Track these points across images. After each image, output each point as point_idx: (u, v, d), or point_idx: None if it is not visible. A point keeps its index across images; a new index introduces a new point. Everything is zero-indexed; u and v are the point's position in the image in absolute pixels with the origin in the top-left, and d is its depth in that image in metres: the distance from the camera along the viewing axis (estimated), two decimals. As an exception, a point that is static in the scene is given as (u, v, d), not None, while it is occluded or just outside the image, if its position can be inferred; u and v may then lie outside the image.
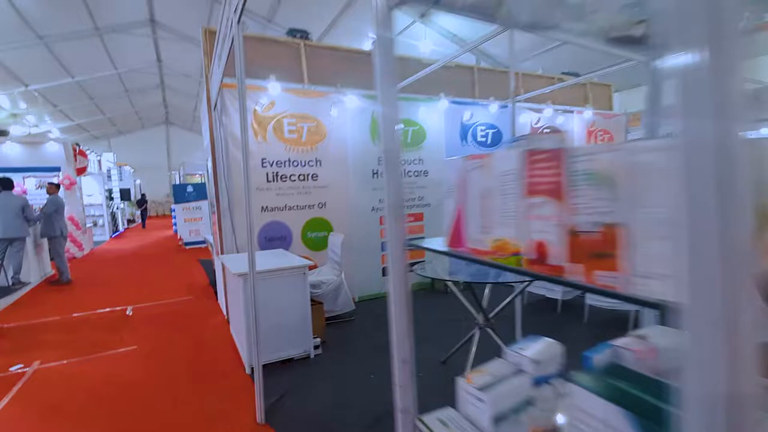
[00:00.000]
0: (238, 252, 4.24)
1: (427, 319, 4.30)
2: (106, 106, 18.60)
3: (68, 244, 10.03)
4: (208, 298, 5.56)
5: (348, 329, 4.08)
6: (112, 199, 14.99)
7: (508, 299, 3.16)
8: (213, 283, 6.14)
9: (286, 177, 4.48)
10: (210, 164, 4.55)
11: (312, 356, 3.34)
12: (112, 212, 13.90)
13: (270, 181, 4.39)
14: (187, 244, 10.61)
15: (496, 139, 6.04)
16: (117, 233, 14.31)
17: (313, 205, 4.67)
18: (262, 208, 4.38)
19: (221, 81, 3.67)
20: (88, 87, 15.66)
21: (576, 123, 6.95)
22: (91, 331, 4.43)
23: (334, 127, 4.74)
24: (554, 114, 6.58)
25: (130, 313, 5.04)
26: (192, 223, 10.61)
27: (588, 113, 6.90)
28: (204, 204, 10.51)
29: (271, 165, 4.39)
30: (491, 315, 3.12)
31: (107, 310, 5.23)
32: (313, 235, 4.70)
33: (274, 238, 4.45)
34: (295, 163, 4.54)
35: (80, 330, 4.48)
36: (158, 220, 20.66)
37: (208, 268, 7.43)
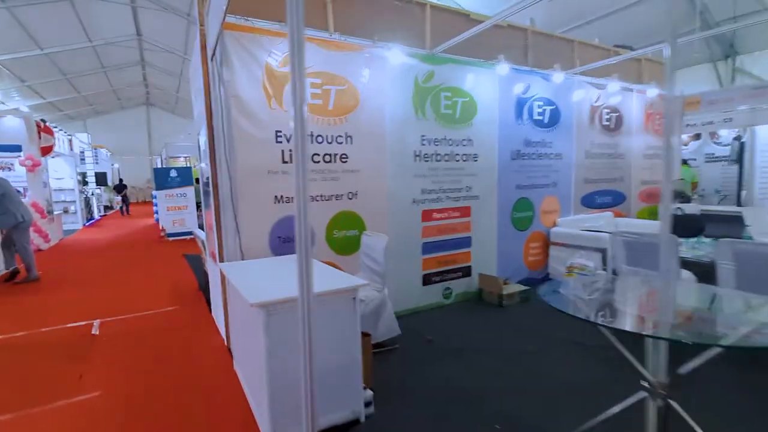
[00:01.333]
0: (243, 257, 3.12)
1: (506, 352, 3.26)
2: (81, 84, 16.92)
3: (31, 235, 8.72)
4: (198, 309, 4.41)
5: (396, 363, 3.01)
6: (86, 183, 13.54)
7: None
8: (203, 287, 5.00)
9: (308, 156, 3.35)
10: (204, 139, 3.39)
11: (363, 419, 2.26)
12: (85, 198, 12.47)
13: (287, 162, 3.26)
14: (170, 235, 9.39)
15: (554, 118, 4.99)
16: (91, 221, 12.91)
17: (342, 195, 3.56)
18: (276, 198, 3.25)
19: (223, 19, 2.51)
20: (60, 61, 14.06)
21: (634, 103, 5.94)
22: (37, 362, 3.26)
23: (369, 92, 3.61)
24: (610, 92, 5.56)
25: (97, 332, 3.87)
26: (176, 212, 9.36)
27: (652, 91, 5.89)
28: (189, 191, 9.26)
29: (288, 140, 3.25)
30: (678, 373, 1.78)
31: (67, 326, 4.04)
32: (340, 234, 3.59)
33: (290, 237, 3.33)
34: (320, 139, 3.41)
35: (21, 361, 3.29)
36: (138, 207, 19.16)
37: (197, 266, 6.25)
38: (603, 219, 5.56)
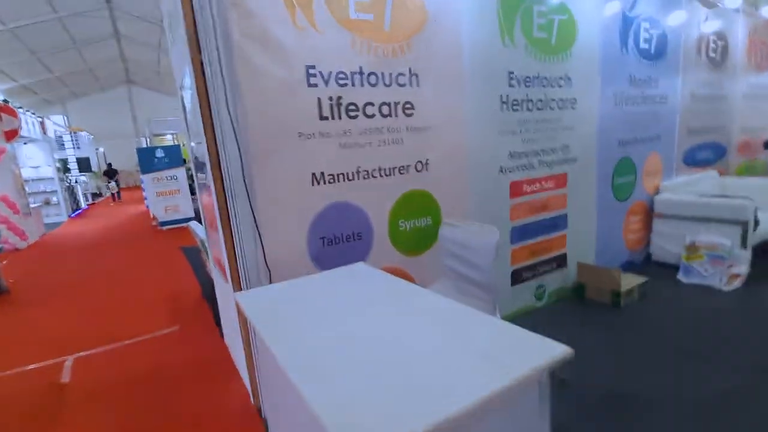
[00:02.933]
0: (270, 277, 1.95)
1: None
2: (53, 63, 15.23)
3: (4, 233, 7.55)
4: (205, 330, 3.29)
5: None
6: (68, 170, 12.21)
7: None
8: (208, 295, 3.87)
9: (357, 108, 2.11)
10: (189, 93, 2.15)
11: None
12: (69, 186, 11.21)
13: (326, 119, 2.03)
14: (163, 224, 8.21)
15: (661, 47, 3.70)
16: (78, 212, 11.66)
17: (407, 168, 2.35)
18: (315, 178, 2.05)
19: None
20: (26, 37, 12.44)
21: (740, 29, 4.62)
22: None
23: (440, 3, 2.33)
24: (719, 12, 4.23)
25: (67, 379, 2.77)
26: (167, 197, 8.13)
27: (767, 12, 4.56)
28: (180, 172, 7.99)
29: (328, 81, 2.01)
30: None
31: (27, 368, 2.94)
32: (408, 225, 2.41)
33: (339, 238, 2.15)
34: (373, 78, 2.15)
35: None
36: (128, 193, 17.87)
37: (196, 263, 5.11)
38: (708, 179, 4.38)
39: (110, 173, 15.55)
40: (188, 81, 2.20)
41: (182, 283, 4.64)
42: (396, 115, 2.25)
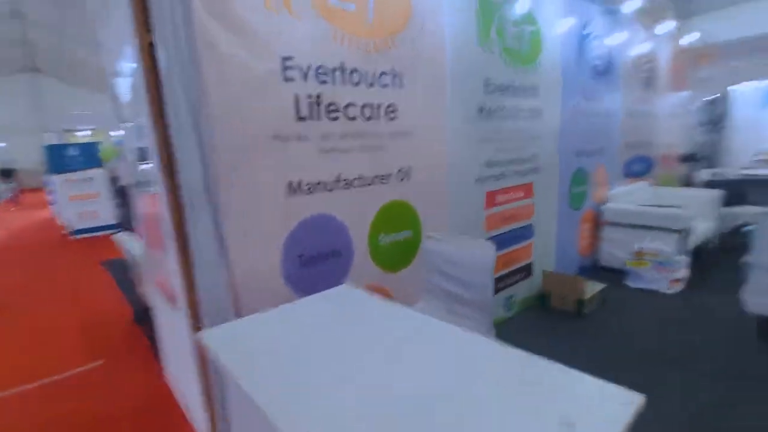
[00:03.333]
0: (239, 308, 1.63)
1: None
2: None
3: None
4: (137, 363, 2.78)
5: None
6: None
7: None
8: (140, 317, 3.30)
9: (338, 108, 1.87)
10: (130, 81, 1.76)
11: None
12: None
13: (303, 119, 1.76)
14: (77, 232, 7.11)
15: (609, 66, 3.91)
16: (-39, 221, 9.78)
17: (389, 176, 2.14)
18: (290, 186, 1.76)
19: None
20: None
21: (666, 51, 5.09)
22: None
23: (425, 2, 2.17)
24: (653, 35, 4.62)
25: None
26: (83, 201, 7.03)
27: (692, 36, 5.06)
28: (97, 174, 6.95)
29: (307, 76, 1.75)
30: None
31: None
32: (388, 239, 2.20)
33: (318, 256, 1.88)
34: (356, 76, 1.93)
35: None
36: (29, 196, 15.49)
37: (123, 279, 4.42)
38: (644, 190, 4.73)
39: (6, 172, 13.40)
40: (126, 67, 1.81)
41: (106, 306, 3.97)
42: (379, 118, 2.04)
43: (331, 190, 1.90)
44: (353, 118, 1.94)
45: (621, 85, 4.21)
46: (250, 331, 1.35)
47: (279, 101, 1.68)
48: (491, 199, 2.82)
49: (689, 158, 6.22)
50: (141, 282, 3.06)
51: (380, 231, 2.15)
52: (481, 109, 2.61)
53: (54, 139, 7.60)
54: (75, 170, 6.65)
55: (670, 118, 5.55)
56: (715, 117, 7.44)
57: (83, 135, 8.39)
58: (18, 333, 3.46)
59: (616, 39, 3.94)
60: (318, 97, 1.80)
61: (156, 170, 1.61)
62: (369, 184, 2.05)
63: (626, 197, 4.27)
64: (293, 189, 1.77)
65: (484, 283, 1.82)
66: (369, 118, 2.00)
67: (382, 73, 2.02)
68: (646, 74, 4.71)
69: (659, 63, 4.96)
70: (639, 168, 4.95)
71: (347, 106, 1.90)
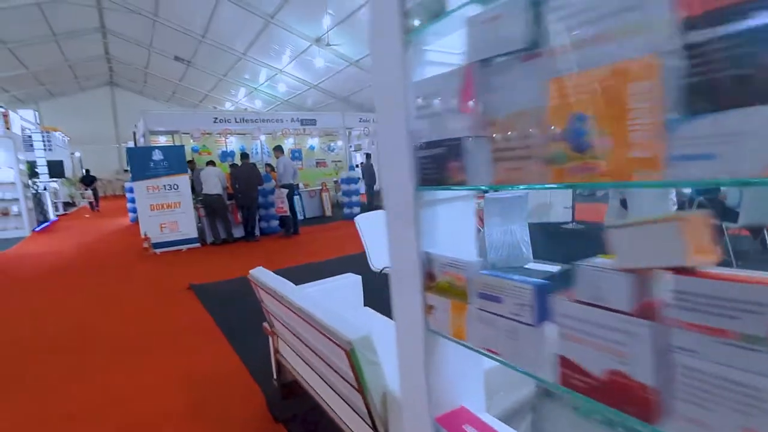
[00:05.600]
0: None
1: None
2: (29, 56, 13.89)
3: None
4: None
5: None
6: (35, 175, 10.77)
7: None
8: (280, 413, 1.89)
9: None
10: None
11: None
12: (35, 194, 9.79)
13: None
14: (157, 246, 6.46)
15: None
16: (43, 224, 10.08)
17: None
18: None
19: None
20: (-2, 26, 11.17)
21: None
22: None
23: None
24: None
25: None
26: (165, 212, 6.44)
27: None
28: (182, 180, 6.44)
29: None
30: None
31: None
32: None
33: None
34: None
35: None
36: (108, 203, 16.34)
37: (221, 313, 3.44)
38: None
39: (87, 180, 14.16)
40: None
41: (208, 356, 2.65)
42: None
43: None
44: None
45: None
46: None
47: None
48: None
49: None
50: (275, 337, 1.84)
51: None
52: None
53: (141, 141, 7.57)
54: (159, 176, 6.36)
55: None
56: None
57: (162, 141, 8.46)
58: (92, 398, 2.25)
59: None
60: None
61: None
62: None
63: None
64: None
65: None
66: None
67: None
68: None
69: None
70: None
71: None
